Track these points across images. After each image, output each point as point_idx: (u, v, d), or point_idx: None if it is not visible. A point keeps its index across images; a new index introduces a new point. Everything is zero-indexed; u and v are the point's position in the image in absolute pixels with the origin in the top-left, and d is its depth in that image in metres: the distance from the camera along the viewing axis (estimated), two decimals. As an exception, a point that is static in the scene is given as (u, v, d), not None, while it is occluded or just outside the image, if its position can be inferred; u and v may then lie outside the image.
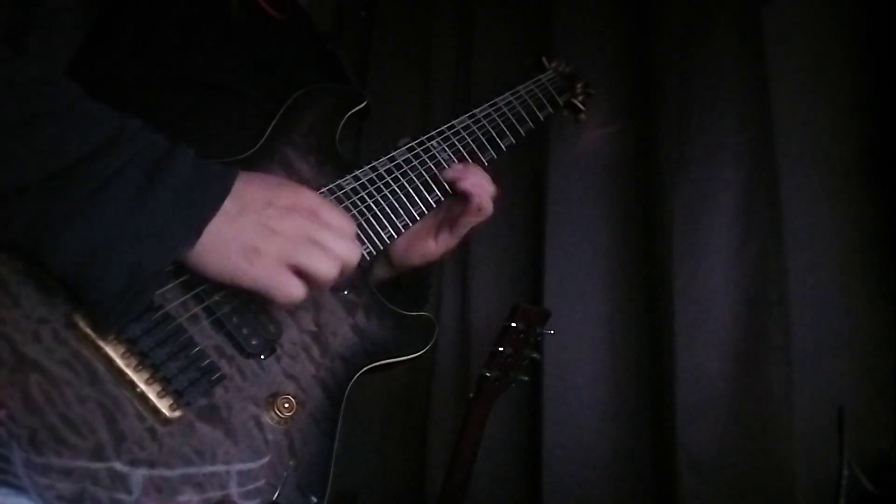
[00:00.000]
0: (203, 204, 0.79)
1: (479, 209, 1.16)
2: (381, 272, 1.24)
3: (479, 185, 1.16)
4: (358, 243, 0.90)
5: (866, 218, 2.03)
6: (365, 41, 2.79)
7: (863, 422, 1.84)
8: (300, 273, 0.84)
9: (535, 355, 1.88)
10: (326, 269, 0.85)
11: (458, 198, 1.17)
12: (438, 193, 1.15)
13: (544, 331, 1.90)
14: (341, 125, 1.12)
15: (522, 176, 2.49)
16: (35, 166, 0.73)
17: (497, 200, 1.18)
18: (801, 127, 2.12)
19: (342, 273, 0.88)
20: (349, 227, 0.90)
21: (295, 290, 0.84)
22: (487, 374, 1.81)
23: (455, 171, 1.15)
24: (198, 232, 0.79)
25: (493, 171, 1.15)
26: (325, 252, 0.85)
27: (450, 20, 2.72)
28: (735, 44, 2.15)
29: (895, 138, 1.98)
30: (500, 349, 1.81)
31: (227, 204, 0.81)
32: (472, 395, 1.84)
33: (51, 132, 0.74)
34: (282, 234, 0.83)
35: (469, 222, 1.18)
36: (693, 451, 2.04)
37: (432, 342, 1.11)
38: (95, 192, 0.73)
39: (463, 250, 2.47)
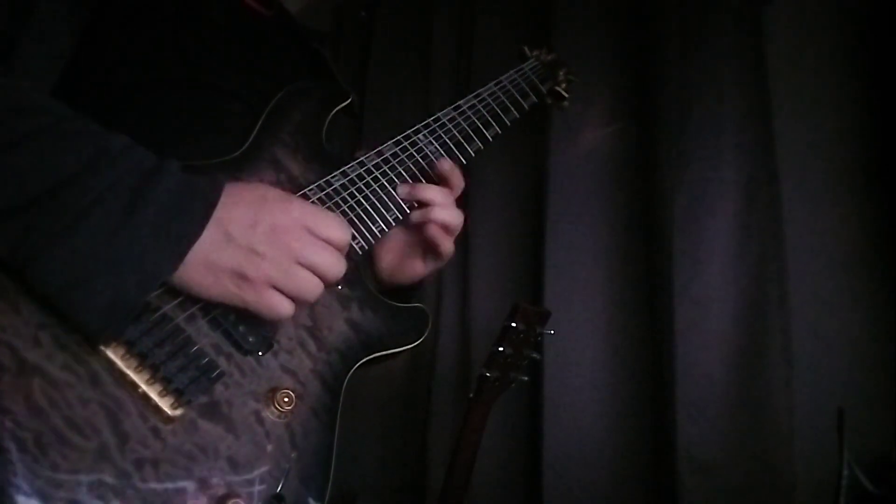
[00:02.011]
0: (185, 230, 0.80)
1: (439, 242, 1.16)
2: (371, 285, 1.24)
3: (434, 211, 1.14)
4: (343, 259, 0.92)
5: (866, 218, 2.03)
6: (365, 41, 2.79)
7: (863, 422, 1.84)
8: (286, 292, 0.87)
9: (535, 355, 1.88)
10: (312, 290, 0.88)
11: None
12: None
13: (544, 331, 1.90)
14: (327, 122, 1.13)
15: (522, 176, 2.49)
16: (15, 190, 0.74)
17: (460, 203, 1.18)
18: (801, 127, 2.12)
19: (328, 286, 0.90)
20: (341, 233, 0.91)
21: (282, 308, 0.87)
22: (487, 374, 1.81)
23: (407, 194, 1.13)
24: (179, 259, 0.80)
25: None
26: (310, 273, 0.87)
27: (450, 19, 2.72)
28: (735, 44, 2.15)
29: (894, 138, 1.98)
30: (500, 349, 1.81)
31: (212, 229, 0.81)
32: (472, 395, 1.84)
33: (30, 157, 0.75)
34: (268, 258, 0.84)
35: (443, 246, 1.17)
36: (693, 451, 2.04)
37: (426, 333, 1.13)
38: (76, 218, 0.74)
39: (463, 250, 2.47)
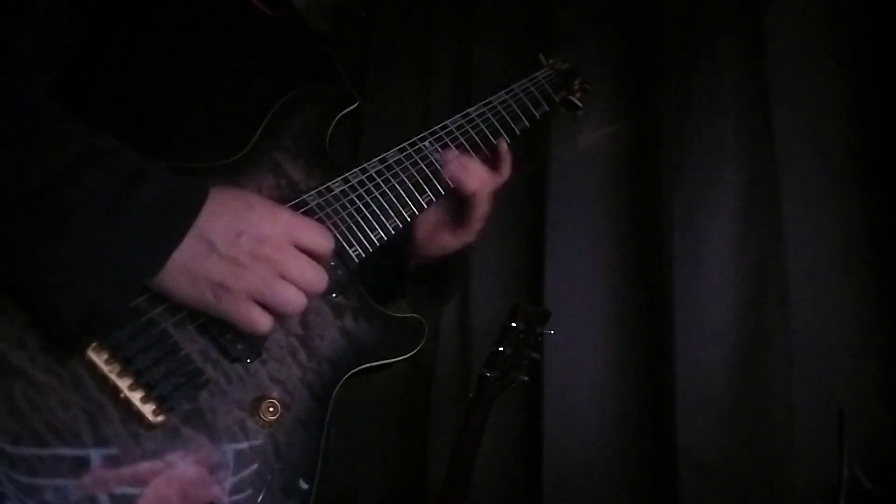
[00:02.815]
0: (166, 237, 0.79)
1: (477, 203, 1.19)
2: (410, 260, 1.27)
3: (473, 179, 1.18)
4: (324, 272, 0.89)
5: (866, 218, 2.03)
6: (365, 41, 2.79)
7: (863, 422, 1.83)
8: (267, 306, 0.84)
9: (535, 355, 1.88)
10: (293, 305, 0.85)
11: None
12: (430, 195, 1.13)
13: (544, 331, 1.89)
14: (332, 126, 1.10)
15: (522, 176, 2.49)
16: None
17: (500, 189, 1.22)
18: (800, 127, 2.11)
19: (311, 301, 0.88)
20: (325, 244, 0.89)
21: (261, 323, 0.84)
22: (487, 374, 1.81)
23: (450, 167, 1.16)
24: (159, 266, 0.78)
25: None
26: (292, 287, 0.85)
27: (450, 20, 2.71)
28: (735, 44, 2.15)
29: (894, 138, 1.97)
30: (500, 349, 1.81)
31: (195, 238, 0.80)
32: (471, 395, 1.84)
33: (16, 156, 0.74)
34: (250, 270, 0.82)
35: (474, 216, 1.21)
36: (693, 451, 2.04)
37: (422, 344, 1.09)
38: (59, 221, 0.73)
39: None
